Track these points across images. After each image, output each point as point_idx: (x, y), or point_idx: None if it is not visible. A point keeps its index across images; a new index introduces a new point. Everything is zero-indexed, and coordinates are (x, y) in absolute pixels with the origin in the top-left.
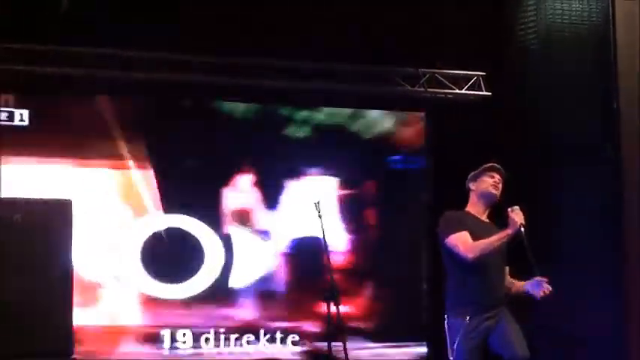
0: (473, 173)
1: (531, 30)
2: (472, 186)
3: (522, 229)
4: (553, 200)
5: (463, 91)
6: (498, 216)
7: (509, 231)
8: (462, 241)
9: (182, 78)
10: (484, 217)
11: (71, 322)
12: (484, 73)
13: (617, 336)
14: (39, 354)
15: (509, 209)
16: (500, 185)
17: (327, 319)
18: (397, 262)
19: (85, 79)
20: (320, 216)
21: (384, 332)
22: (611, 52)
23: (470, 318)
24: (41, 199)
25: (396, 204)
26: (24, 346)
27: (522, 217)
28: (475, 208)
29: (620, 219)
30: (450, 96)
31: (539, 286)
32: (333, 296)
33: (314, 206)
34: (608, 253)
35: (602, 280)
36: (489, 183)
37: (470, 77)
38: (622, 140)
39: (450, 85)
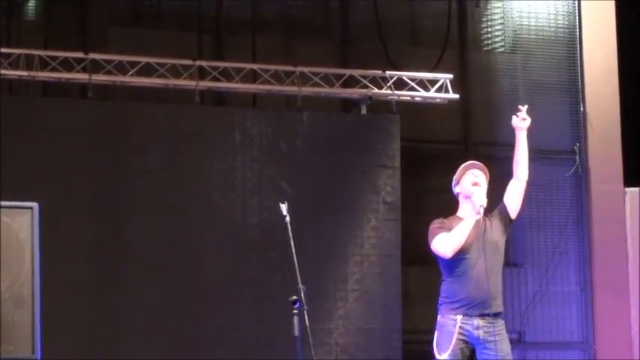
0: (454, 177)
1: (498, 32)
2: (457, 189)
3: (482, 209)
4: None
5: (431, 94)
6: None
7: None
8: (439, 243)
9: None
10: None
11: (37, 326)
12: (451, 76)
13: None
14: (5, 358)
15: (470, 191)
16: (482, 179)
17: None
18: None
19: None
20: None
21: None
22: (578, 54)
23: (460, 318)
24: (6, 203)
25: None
26: None
27: (484, 198)
28: (464, 211)
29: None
30: (417, 98)
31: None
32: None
33: (281, 208)
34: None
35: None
36: (470, 181)
37: (437, 80)
38: (588, 141)
39: (418, 87)
